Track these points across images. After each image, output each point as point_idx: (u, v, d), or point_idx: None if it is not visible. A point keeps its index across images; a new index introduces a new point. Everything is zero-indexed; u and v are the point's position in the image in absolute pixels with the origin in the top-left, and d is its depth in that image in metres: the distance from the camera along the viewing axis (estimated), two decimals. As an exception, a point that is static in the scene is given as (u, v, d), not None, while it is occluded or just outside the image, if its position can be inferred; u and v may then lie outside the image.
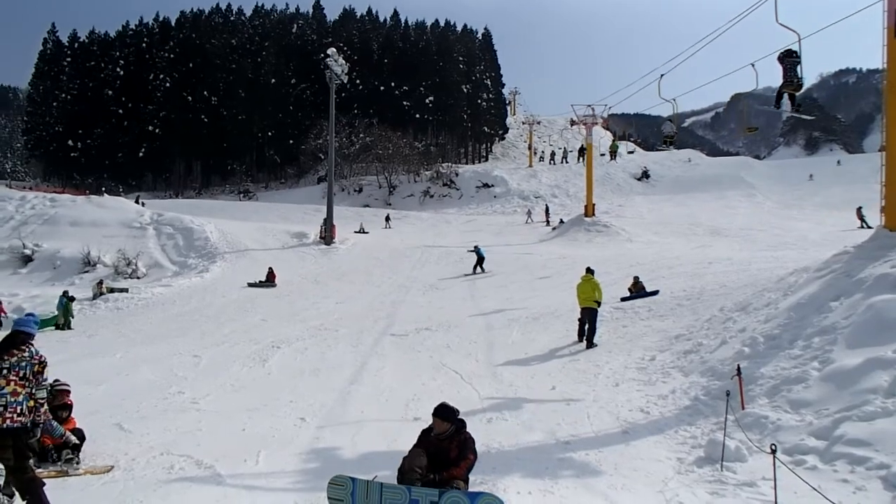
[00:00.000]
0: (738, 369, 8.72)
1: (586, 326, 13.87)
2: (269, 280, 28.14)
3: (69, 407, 7.98)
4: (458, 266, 30.54)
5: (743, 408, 8.25)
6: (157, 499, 6.38)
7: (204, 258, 33.62)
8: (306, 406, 10.10)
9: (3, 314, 23.37)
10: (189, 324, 20.67)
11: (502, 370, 12.17)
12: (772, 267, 19.47)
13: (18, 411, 5.73)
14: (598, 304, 14.11)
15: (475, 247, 29.58)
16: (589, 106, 41.95)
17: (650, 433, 8.29)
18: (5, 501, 5.45)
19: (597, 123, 45.00)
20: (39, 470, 6.63)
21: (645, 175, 65.75)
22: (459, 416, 6.42)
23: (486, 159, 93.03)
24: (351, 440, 8.39)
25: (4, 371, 5.77)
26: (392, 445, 7.80)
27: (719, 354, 10.57)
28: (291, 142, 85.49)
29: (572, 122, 48.44)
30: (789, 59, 13.18)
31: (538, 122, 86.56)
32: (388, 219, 50.63)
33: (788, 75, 13.23)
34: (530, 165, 74.55)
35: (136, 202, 49.46)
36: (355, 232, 43.62)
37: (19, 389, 5.78)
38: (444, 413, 6.34)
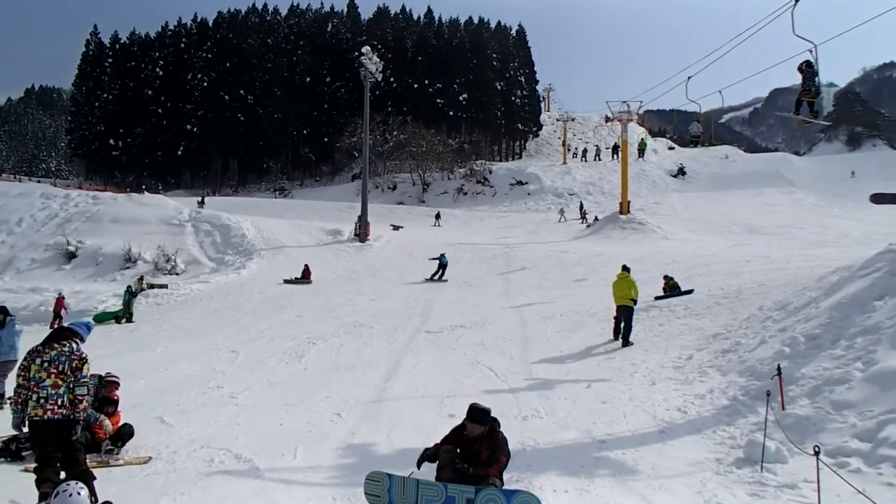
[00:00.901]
0: (779, 369, 8.55)
1: (622, 324, 13.76)
2: (305, 277, 28.42)
3: (115, 402, 8.14)
4: (491, 263, 30.51)
5: (783, 408, 8.10)
6: (199, 491, 6.49)
7: (241, 255, 34.08)
8: (342, 402, 10.18)
9: (63, 310, 23.98)
10: (227, 319, 20.99)
11: (537, 368, 12.13)
12: (812, 265, 19.10)
13: (59, 403, 5.87)
14: (635, 302, 13.99)
15: (441, 255, 28.52)
16: (624, 102, 41.53)
17: (688, 433, 8.19)
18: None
19: (632, 120, 44.52)
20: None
21: (681, 172, 64.87)
22: (492, 415, 6.38)
23: (520, 156, 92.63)
24: (387, 436, 8.43)
25: (45, 364, 5.94)
26: (428, 442, 7.76)
27: (758, 354, 10.39)
28: (326, 140, 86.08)
29: (607, 119, 47.96)
30: (808, 70, 13.87)
31: (572, 119, 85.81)
32: (438, 216, 50.35)
33: (806, 84, 13.93)
34: (564, 162, 74.06)
35: (201, 203, 50.07)
36: (392, 228, 43.97)
37: (60, 382, 5.92)
38: (478, 416, 6.27)
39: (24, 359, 6.05)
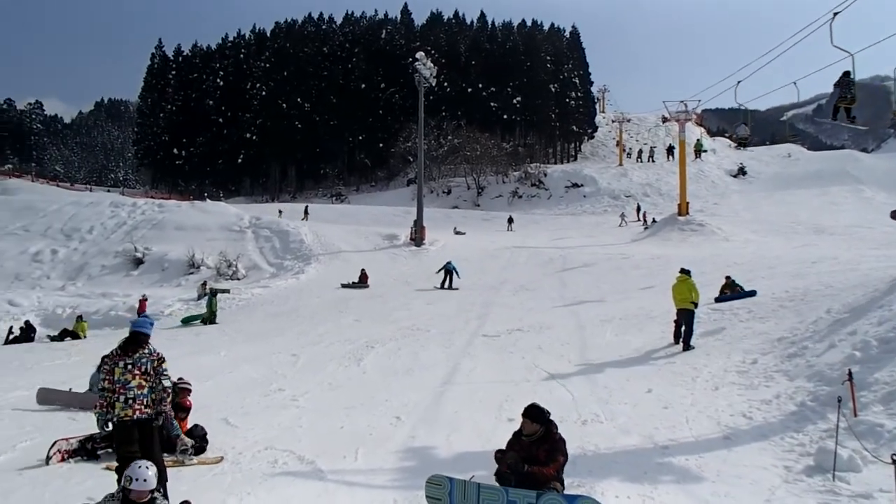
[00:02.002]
0: (850, 374, 8.24)
1: (682, 328, 13.48)
2: (362, 281, 28.74)
3: (187, 409, 8.33)
4: (548, 266, 30.29)
5: (855, 415, 7.80)
6: (264, 491, 6.63)
7: (299, 260, 34.67)
8: (401, 405, 10.25)
9: (143, 312, 25.00)
10: (286, 323, 21.39)
11: (596, 372, 11.98)
12: (883, 266, 18.34)
13: (145, 403, 6.26)
14: (695, 305, 13.69)
15: (447, 262, 27.90)
16: (681, 102, 40.73)
17: (754, 439, 7.97)
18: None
19: (689, 120, 43.64)
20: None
21: (741, 172, 63.28)
22: (550, 417, 6.35)
23: (575, 158, 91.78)
24: (446, 439, 8.45)
25: (129, 366, 6.27)
26: (487, 445, 7.80)
27: (827, 358, 10.05)
28: (381, 145, 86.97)
29: (664, 119, 47.32)
30: (844, 79, 14.83)
31: (628, 120, 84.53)
32: (510, 220, 49.47)
33: (843, 92, 14.81)
34: (620, 164, 73.05)
35: (305, 213, 51.04)
36: (455, 233, 44.09)
37: (144, 383, 6.29)
38: (534, 414, 6.28)
39: (105, 363, 6.35)
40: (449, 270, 27.31)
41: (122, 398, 6.19)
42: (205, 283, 29.44)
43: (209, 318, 23.51)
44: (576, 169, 71.47)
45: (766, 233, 37.11)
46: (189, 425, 8.21)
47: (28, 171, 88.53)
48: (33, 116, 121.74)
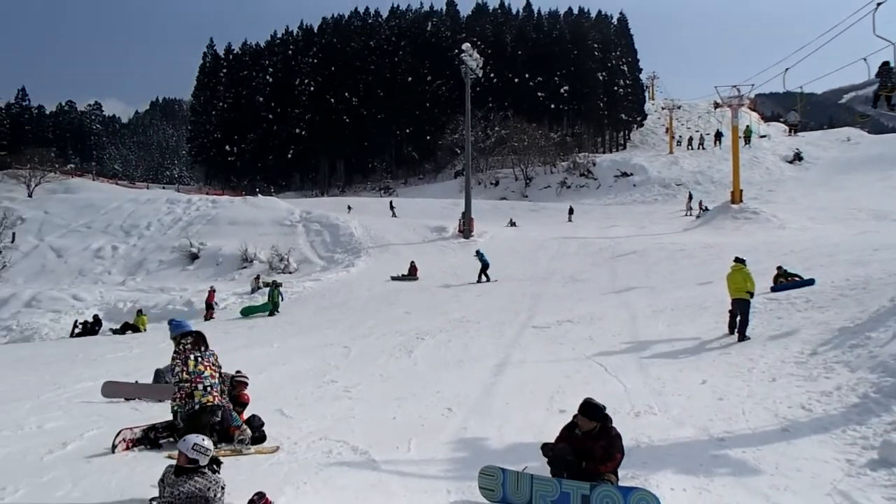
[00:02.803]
0: (916, 365, 7.96)
1: (738, 318, 13.20)
2: (411, 274, 28.94)
3: (244, 404, 8.38)
4: (597, 257, 30.00)
5: (922, 407, 7.54)
6: (320, 481, 6.74)
7: (349, 253, 35.08)
8: (452, 396, 10.30)
9: (214, 302, 26.22)
10: (338, 316, 21.71)
11: (649, 363, 11.83)
12: (951, 253, 17.63)
13: (219, 391, 6.88)
14: (751, 294, 13.38)
15: (477, 251, 27.68)
16: (734, 87, 39.75)
17: (814, 432, 7.76)
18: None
19: (742, 105, 42.55)
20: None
21: (797, 157, 61.37)
22: (605, 412, 6.28)
23: (624, 147, 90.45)
24: (497, 431, 8.46)
25: (200, 359, 6.81)
26: (539, 437, 7.77)
27: (892, 349, 9.71)
28: (429, 138, 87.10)
29: (716, 105, 46.08)
30: (884, 68, 15.14)
31: (678, 107, 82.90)
32: (571, 212, 48.09)
33: (884, 80, 15.09)
34: (671, 152, 71.71)
35: (391, 209, 51.02)
36: (510, 224, 44.00)
37: (214, 374, 6.87)
38: (590, 411, 6.20)
39: (177, 356, 6.75)
40: (484, 263, 26.77)
41: (200, 386, 6.66)
42: (258, 277, 30.04)
43: (272, 309, 24.16)
44: (625, 158, 70.44)
45: (824, 220, 36.00)
46: (246, 416, 8.38)
47: (89, 170, 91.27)
48: (93, 117, 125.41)
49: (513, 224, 44.80)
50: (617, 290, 21.69)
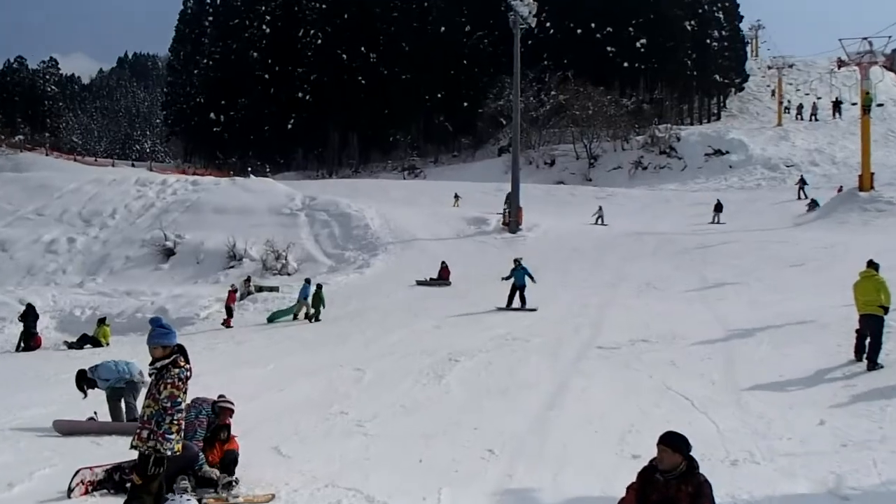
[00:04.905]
0: None
1: (867, 340, 12.95)
2: (443, 277, 28.96)
3: (228, 427, 8.55)
4: (681, 258, 29.76)
5: None
6: (325, 540, 6.76)
7: (364, 250, 35.23)
8: (494, 434, 10.25)
9: (233, 303, 26.63)
10: (349, 329, 21.78)
11: (748, 396, 11.68)
12: None
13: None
14: (885, 310, 13.11)
15: (517, 262, 23.99)
16: (865, 39, 39.03)
17: (968, 490, 7.59)
18: None
19: (875, 63, 41.79)
20: (197, 495, 7.28)
21: (947, 131, 60.24)
22: (691, 453, 6.20)
23: (718, 118, 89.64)
24: (552, 479, 8.40)
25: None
26: (607, 489, 7.72)
27: None
28: (466, 104, 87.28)
29: (840, 64, 45.31)
30: None
31: (790, 66, 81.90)
32: (719, 209, 42.64)
33: None
34: (779, 124, 70.89)
35: (455, 200, 50.37)
36: (595, 220, 42.34)
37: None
38: (674, 441, 6.13)
39: (182, 384, 6.77)
40: (520, 284, 23.15)
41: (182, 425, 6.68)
42: (248, 279, 30.31)
43: (314, 314, 24.81)
44: (719, 131, 69.78)
45: (982, 213, 35.24)
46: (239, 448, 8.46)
47: (41, 142, 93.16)
48: (47, 77, 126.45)
49: (600, 218, 42.26)
50: (707, 301, 21.49)
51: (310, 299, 25.15)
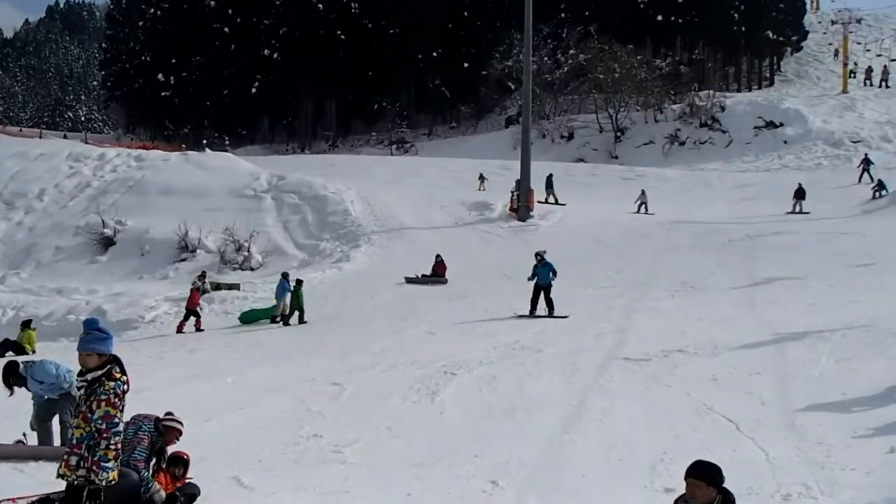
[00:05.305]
0: None
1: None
2: (437, 274, 28.98)
3: (184, 462, 8.55)
4: (725, 253, 29.81)
5: None
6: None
7: (343, 241, 35.23)
8: (498, 463, 10.27)
9: (197, 305, 26.43)
10: (325, 336, 21.83)
11: (805, 419, 11.70)
12: None
13: None
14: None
15: (540, 256, 23.33)
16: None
17: None
18: None
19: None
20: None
21: None
22: (725, 485, 6.22)
23: (771, 83, 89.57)
24: (568, 518, 8.44)
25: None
26: (632, 529, 7.76)
27: None
28: (466, 65, 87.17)
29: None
30: None
31: (858, 21, 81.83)
32: (801, 195, 41.40)
33: None
34: (844, 90, 70.88)
35: (480, 181, 48.75)
36: (637, 208, 41.59)
37: None
38: (706, 472, 6.14)
39: (120, 400, 6.65)
40: (545, 284, 22.55)
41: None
42: (203, 275, 30.24)
43: (294, 313, 24.88)
44: (771, 99, 69.72)
45: None
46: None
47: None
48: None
49: (643, 205, 41.43)
50: (755, 304, 21.53)
51: (287, 298, 25.26)
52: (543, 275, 22.59)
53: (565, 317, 21.96)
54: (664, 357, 16.21)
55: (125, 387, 6.51)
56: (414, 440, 11.66)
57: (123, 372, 6.56)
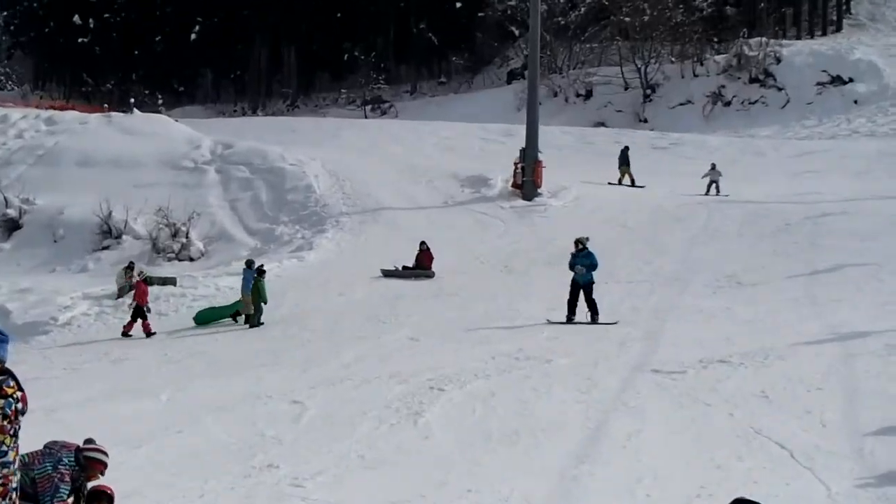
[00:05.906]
0: None
1: None
2: (422, 265, 28.99)
3: (108, 498, 8.57)
4: (780, 240, 29.87)
5: None
6: None
7: (305, 224, 35.22)
8: (497, 501, 10.33)
9: (145, 305, 26.33)
10: (282, 343, 21.85)
11: (875, 444, 11.78)
12: None
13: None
14: None
15: (578, 244, 22.64)
16: None
17: None
18: None
19: None
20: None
21: None
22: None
23: (838, 29, 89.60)
24: (583, 567, 8.51)
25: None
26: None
27: None
28: (459, 5, 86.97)
29: None
30: None
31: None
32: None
33: None
34: (928, 38, 71.11)
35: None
36: (707, 189, 40.59)
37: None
38: None
39: (8, 422, 6.55)
40: (586, 281, 22.04)
41: (13, 483, 6.45)
42: (131, 266, 30.14)
43: (254, 313, 25.00)
44: (838, 48, 69.73)
45: None
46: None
47: None
48: None
49: (713, 183, 40.01)
50: (817, 303, 21.65)
51: (249, 289, 25.34)
52: (583, 270, 22.00)
53: (614, 323, 21.47)
54: (703, 369, 16.27)
55: (19, 404, 6.30)
56: (392, 472, 11.70)
57: (19, 387, 6.35)
